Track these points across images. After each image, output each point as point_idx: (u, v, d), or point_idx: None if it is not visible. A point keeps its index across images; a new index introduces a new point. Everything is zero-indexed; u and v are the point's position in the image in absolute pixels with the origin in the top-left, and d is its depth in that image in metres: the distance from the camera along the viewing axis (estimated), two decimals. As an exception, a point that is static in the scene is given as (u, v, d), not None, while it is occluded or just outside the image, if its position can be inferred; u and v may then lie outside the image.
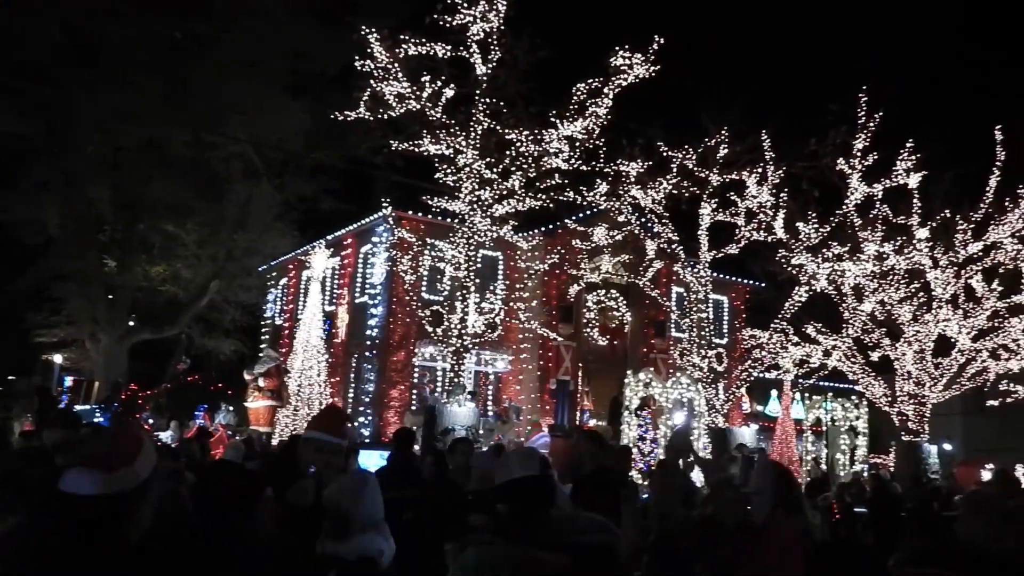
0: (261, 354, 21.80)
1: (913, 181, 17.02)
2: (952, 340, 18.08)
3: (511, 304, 17.85)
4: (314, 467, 3.93)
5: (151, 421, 18.37)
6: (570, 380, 20.77)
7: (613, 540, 3.00)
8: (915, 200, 17.30)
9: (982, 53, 47.70)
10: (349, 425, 4.96)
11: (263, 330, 26.60)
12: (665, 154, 16.37)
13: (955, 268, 17.77)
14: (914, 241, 17.34)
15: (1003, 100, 41.92)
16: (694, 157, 16.51)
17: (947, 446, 20.31)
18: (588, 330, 21.71)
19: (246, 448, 11.92)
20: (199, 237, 23.11)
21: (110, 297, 23.23)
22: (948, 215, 17.51)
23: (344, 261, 22.69)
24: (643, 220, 17.87)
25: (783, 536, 4.02)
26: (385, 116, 15.11)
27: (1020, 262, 17.75)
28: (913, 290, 17.89)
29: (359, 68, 14.77)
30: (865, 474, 17.45)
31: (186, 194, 22.03)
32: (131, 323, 23.82)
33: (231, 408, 19.25)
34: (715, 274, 18.39)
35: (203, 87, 20.62)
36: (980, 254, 17.76)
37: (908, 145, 16.87)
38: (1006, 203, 17.47)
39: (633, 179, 16.14)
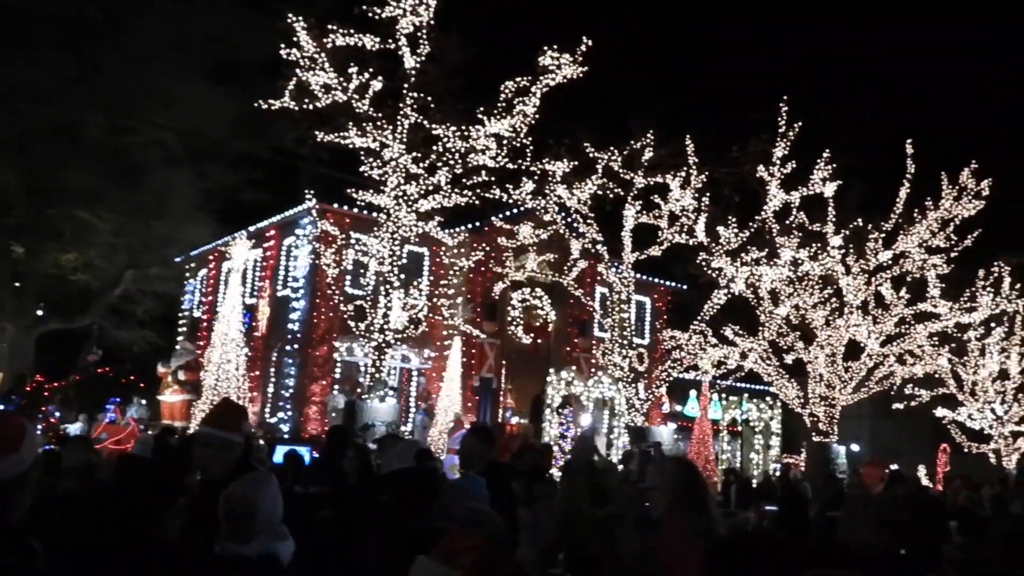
0: (177, 347, 21.25)
1: (828, 190, 17.55)
2: (861, 345, 18.73)
3: (435, 300, 17.78)
4: (202, 462, 3.84)
5: (58, 414, 17.70)
6: (493, 377, 20.83)
7: (489, 530, 3.09)
8: (830, 209, 17.85)
9: (893, 72, 49.63)
10: (248, 421, 4.84)
11: (180, 322, 25.90)
12: (591, 155, 16.53)
13: (866, 275, 18.41)
14: (828, 248, 17.90)
15: (913, 116, 43.80)
16: (619, 159, 16.72)
17: (855, 447, 21.07)
18: (512, 328, 21.77)
19: (158, 443, 11.58)
20: (114, 225, 22.29)
21: (17, 285, 22.28)
22: (860, 224, 18.12)
23: (266, 253, 22.27)
24: (568, 220, 18.02)
25: (677, 533, 4.00)
26: (311, 107, 14.85)
27: (926, 271, 18.51)
28: (826, 296, 18.46)
29: (285, 57, 14.48)
30: (778, 473, 17.98)
31: (101, 180, 21.24)
32: (39, 312, 22.89)
33: (143, 401, 18.70)
34: (638, 275, 18.67)
35: (118, 70, 19.88)
36: (889, 263, 18.44)
37: (825, 155, 17.40)
38: (915, 214, 18.19)
39: (559, 179, 16.25)
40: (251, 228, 21.31)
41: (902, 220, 18.25)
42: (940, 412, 21.36)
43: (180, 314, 26.15)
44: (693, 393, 21.82)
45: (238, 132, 22.06)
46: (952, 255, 18.48)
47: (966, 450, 21.66)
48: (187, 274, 25.79)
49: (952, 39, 53.34)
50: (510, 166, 15.51)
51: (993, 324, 20.47)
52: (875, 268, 18.43)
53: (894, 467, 19.82)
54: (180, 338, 23.71)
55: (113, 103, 19.96)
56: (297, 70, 14.47)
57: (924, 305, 18.76)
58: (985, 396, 20.93)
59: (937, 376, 20.33)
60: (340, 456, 8.10)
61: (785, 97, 17.05)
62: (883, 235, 18.27)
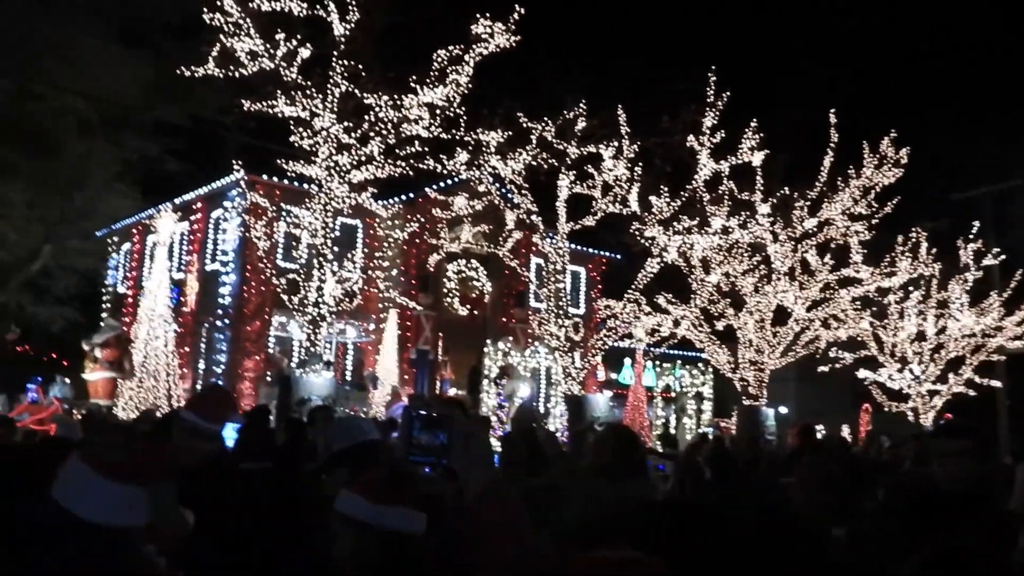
0: (102, 323, 20.57)
1: (756, 159, 17.87)
2: (789, 310, 19.27)
3: (370, 273, 17.58)
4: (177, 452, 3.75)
5: (-26, 396, 17.00)
6: (430, 350, 20.76)
7: (444, 490, 3.18)
8: (758, 177, 18.19)
9: (820, 40, 50.72)
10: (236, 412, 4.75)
11: (104, 298, 25.06)
12: (524, 125, 16.46)
13: (792, 243, 18.89)
14: (756, 216, 18.27)
15: (838, 84, 44.88)
16: (552, 129, 16.69)
17: (783, 409, 21.72)
18: (448, 300, 21.74)
19: (88, 422, 11.20)
20: (28, 197, 21.31)
21: (-75, 262, 21.23)
22: (787, 193, 18.54)
23: (193, 226, 21.66)
24: (503, 190, 17.97)
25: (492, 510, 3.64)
26: (236, 74, 14.39)
27: (849, 238, 19.08)
28: (755, 263, 18.89)
29: (208, 21, 13.96)
30: (711, 436, 18.46)
31: (11, 151, 20.23)
32: (-50, 290, 21.86)
33: (67, 380, 18.06)
34: (572, 245, 18.76)
35: (15, 29, 18.75)
36: (814, 230, 18.93)
37: (752, 125, 17.68)
38: (838, 183, 18.69)
39: (493, 149, 16.15)
40: (176, 200, 20.65)
41: (826, 188, 18.72)
42: (862, 374, 22.13)
43: (104, 290, 25.30)
44: (628, 361, 22.15)
45: (155, 98, 21.21)
46: (873, 222, 19.08)
47: (886, 409, 22.53)
48: (110, 249, 24.91)
49: (877, 8, 54.66)
50: (443, 136, 15.34)
51: (911, 288, 21.23)
52: (801, 235, 18.91)
53: (819, 427, 20.57)
54: (104, 315, 22.95)
55: (12, 64, 18.91)
56: (221, 36, 13.98)
57: (847, 271, 19.35)
58: (904, 357, 21.76)
59: (859, 339, 21.04)
60: (265, 432, 8.07)
61: (713, 67, 17.24)
62: (808, 203, 18.72)
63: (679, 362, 21.29)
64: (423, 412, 4.76)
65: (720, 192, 18.11)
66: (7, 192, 21.20)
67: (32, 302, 23.65)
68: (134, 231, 23.73)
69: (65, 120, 21.26)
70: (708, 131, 17.49)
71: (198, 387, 20.27)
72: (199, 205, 21.43)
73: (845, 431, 21.78)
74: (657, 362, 21.00)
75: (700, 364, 21.21)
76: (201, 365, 20.60)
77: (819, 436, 20.13)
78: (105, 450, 2.03)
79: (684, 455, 15.14)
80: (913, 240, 20.60)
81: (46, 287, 23.73)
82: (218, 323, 20.10)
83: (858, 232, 18.99)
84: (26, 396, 16.80)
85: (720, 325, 19.34)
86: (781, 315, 19.33)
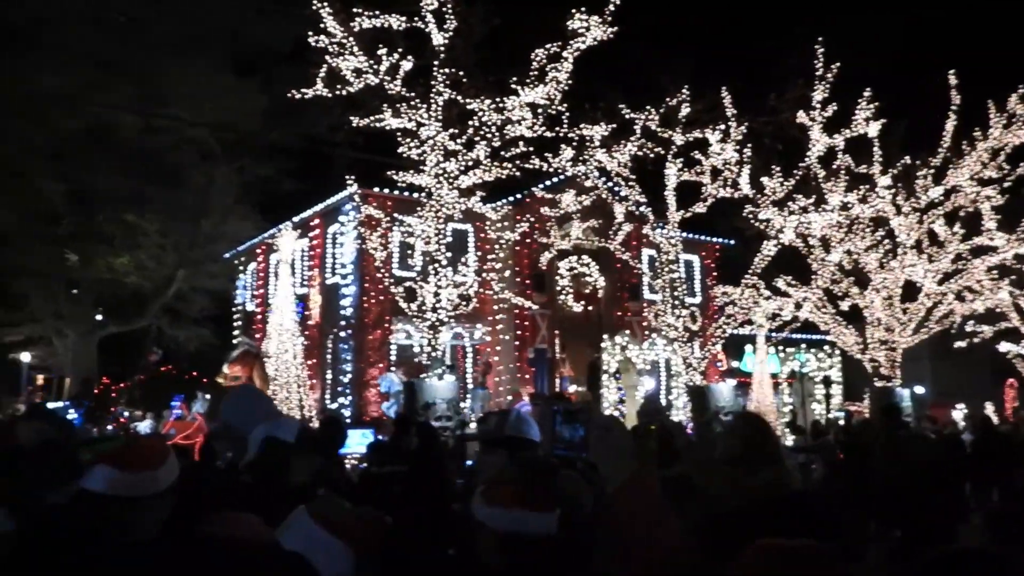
0: (235, 341, 21.65)
1: (873, 130, 17.14)
2: (918, 285, 18.38)
3: (484, 276, 17.81)
4: None
5: (126, 414, 18.20)
6: (547, 348, 20.84)
7: (580, 488, 3.30)
8: (875, 149, 17.44)
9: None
10: None
11: (234, 317, 26.35)
12: (627, 116, 16.32)
13: (918, 214, 18.01)
14: (876, 189, 17.52)
15: (955, 45, 42.41)
16: (656, 118, 16.48)
17: (919, 389, 20.69)
18: (562, 297, 21.78)
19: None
20: (160, 226, 22.72)
21: (74, 292, 22.86)
22: (908, 162, 17.69)
23: (312, 242, 22.48)
24: (610, 184, 17.86)
25: (634, 501, 3.63)
26: (343, 92, 14.85)
27: (980, 204, 18.03)
28: (878, 238, 18.11)
29: (313, 44, 14.48)
30: (842, 420, 17.80)
31: (142, 183, 21.60)
32: (98, 317, 23.48)
33: (207, 396, 19.08)
34: (684, 234, 18.46)
35: (141, 69, 19.97)
36: (941, 199, 18.00)
37: (866, 94, 16.96)
38: (963, 147, 17.69)
39: (598, 143, 16.07)
40: (295, 219, 21.49)
41: (951, 154, 17.79)
42: (1003, 347, 20.88)
43: (234, 309, 26.61)
44: (749, 348, 21.60)
45: (269, 123, 22.22)
46: (1005, 185, 17.99)
47: (1034, 383, 21.21)
48: (238, 269, 26.18)
49: (988, -38, 51.29)
50: (548, 134, 15.38)
51: (1054, 252, 19.88)
52: (927, 205, 18.02)
53: (960, 406, 19.50)
54: (236, 332, 24.13)
55: (141, 103, 20.18)
56: (326, 56, 14.46)
57: (980, 239, 18.32)
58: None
59: (998, 311, 19.86)
60: (407, 439, 8.40)
61: (820, 38, 16.64)
62: (932, 171, 17.84)
63: (803, 346, 20.59)
64: (563, 405, 4.86)
65: (836, 167, 17.46)
66: (141, 223, 22.67)
67: (170, 324, 25.18)
68: (258, 251, 24.82)
69: (188, 151, 22.57)
70: (819, 105, 16.89)
71: (327, 397, 21.04)
72: (316, 221, 22.23)
73: (989, 408, 20.56)
74: (780, 347, 20.39)
75: (826, 347, 20.47)
76: (328, 375, 21.35)
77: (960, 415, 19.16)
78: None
79: (832, 443, 14.61)
80: (1053, 200, 19.31)
81: (182, 309, 25.23)
82: (341, 334, 20.79)
83: (989, 197, 17.97)
84: (171, 413, 17.88)
85: (845, 305, 18.61)
86: (910, 291, 18.46)
